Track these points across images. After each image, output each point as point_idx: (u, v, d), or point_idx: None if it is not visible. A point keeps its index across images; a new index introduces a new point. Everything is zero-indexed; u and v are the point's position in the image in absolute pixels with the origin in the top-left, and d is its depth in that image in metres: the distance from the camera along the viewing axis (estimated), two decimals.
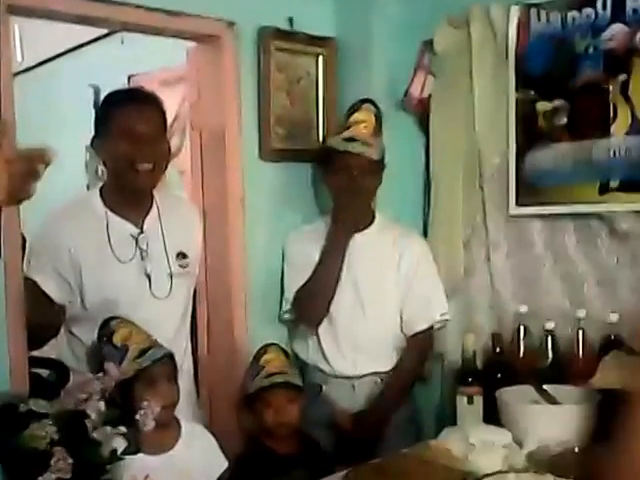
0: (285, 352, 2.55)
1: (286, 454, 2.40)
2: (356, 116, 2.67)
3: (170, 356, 2.21)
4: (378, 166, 2.69)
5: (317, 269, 2.70)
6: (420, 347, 2.77)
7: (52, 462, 1.70)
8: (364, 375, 2.72)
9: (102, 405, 1.82)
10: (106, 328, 2.22)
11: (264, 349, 2.51)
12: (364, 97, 2.74)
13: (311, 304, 2.72)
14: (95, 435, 1.79)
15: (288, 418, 2.42)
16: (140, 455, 2.07)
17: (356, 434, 2.63)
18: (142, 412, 1.87)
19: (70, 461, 1.72)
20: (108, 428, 1.83)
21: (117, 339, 2.17)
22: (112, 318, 2.23)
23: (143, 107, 2.35)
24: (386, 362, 2.73)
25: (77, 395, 1.82)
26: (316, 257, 2.72)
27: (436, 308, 2.77)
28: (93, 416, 1.79)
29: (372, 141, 2.65)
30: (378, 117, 2.71)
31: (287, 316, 2.83)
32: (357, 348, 2.71)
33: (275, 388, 2.41)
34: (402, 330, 2.76)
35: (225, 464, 2.26)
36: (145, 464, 2.09)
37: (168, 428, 2.19)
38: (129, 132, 2.30)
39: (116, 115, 2.33)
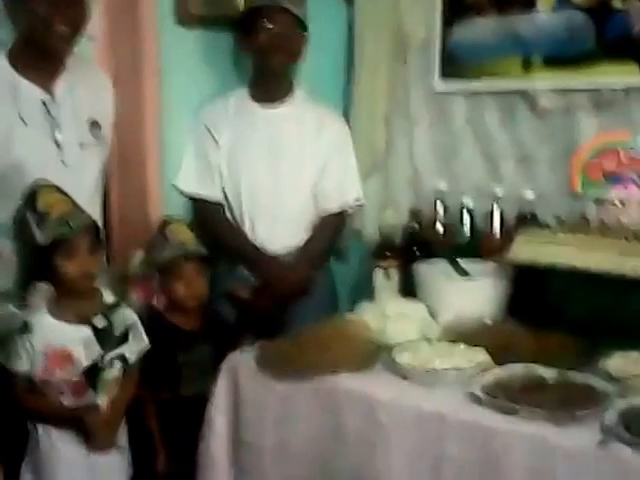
0: (189, 225, 2.50)
1: (191, 329, 2.39)
2: None
3: (93, 226, 2.16)
4: (301, 30, 2.60)
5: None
6: (332, 226, 2.74)
7: None
8: (278, 250, 2.69)
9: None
10: (30, 192, 2.13)
11: (167, 221, 2.45)
12: None
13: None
14: None
15: (198, 290, 2.40)
16: (58, 323, 2.08)
17: (256, 308, 2.62)
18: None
19: None
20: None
21: (40, 205, 2.10)
22: (39, 183, 2.14)
23: None
24: (299, 237, 2.71)
25: None
26: (223, 133, 2.66)
27: (350, 193, 2.75)
28: None
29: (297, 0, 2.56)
30: None
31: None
32: (272, 222, 2.67)
33: (187, 258, 2.37)
34: (316, 207, 2.73)
35: (146, 340, 2.23)
36: (64, 332, 2.09)
37: (90, 298, 2.16)
38: None
39: None
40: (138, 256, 2.45)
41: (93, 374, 2.11)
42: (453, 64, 2.74)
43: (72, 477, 2.12)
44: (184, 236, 2.41)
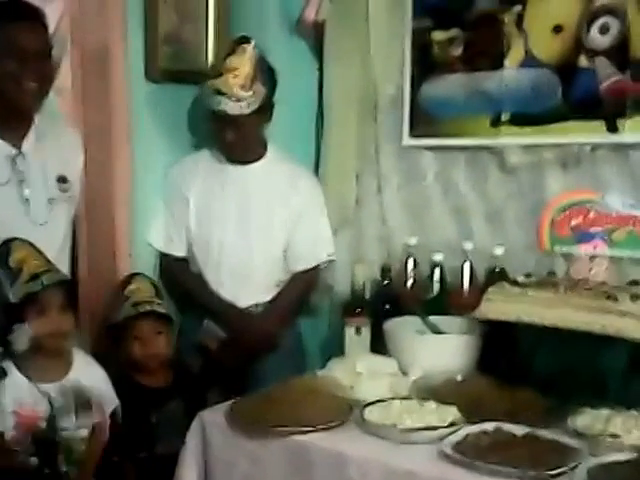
0: (152, 282, 2.51)
1: (158, 387, 2.36)
2: (229, 62, 2.54)
3: (65, 282, 2.14)
4: (257, 115, 2.58)
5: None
6: (302, 282, 2.75)
7: None
8: (247, 307, 2.68)
9: None
10: (2, 249, 2.12)
11: (129, 279, 2.45)
12: (241, 34, 2.61)
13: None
14: None
15: (156, 349, 2.38)
16: (28, 382, 2.05)
17: (224, 360, 2.60)
18: (15, 334, 1.80)
19: None
20: None
21: (12, 261, 2.09)
22: (11, 239, 2.13)
23: (29, 22, 2.24)
24: (268, 294, 2.70)
25: None
26: (193, 190, 2.68)
27: (322, 248, 2.75)
28: None
29: (244, 93, 2.52)
30: (256, 59, 2.55)
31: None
32: (241, 280, 2.67)
33: (142, 318, 2.37)
34: (287, 266, 2.72)
35: (116, 400, 2.20)
36: (33, 392, 2.06)
37: (60, 357, 2.13)
38: (15, 49, 2.19)
39: (5, 28, 2.21)
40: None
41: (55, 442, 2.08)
42: (422, 121, 2.76)
43: None
44: (143, 294, 2.40)
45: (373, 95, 2.85)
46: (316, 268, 2.76)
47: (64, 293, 2.12)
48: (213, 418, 2.11)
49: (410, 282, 2.65)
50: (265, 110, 2.61)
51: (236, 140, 2.59)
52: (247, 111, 2.54)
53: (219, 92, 2.52)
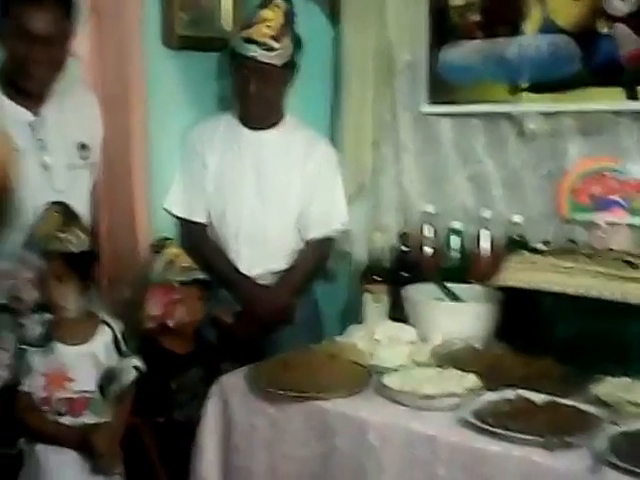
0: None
1: (181, 353, 2.38)
2: (262, 13, 2.54)
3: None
4: (283, 70, 2.59)
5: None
6: (316, 252, 2.74)
7: None
8: (261, 274, 2.69)
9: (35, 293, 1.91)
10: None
11: (163, 242, 2.45)
12: None
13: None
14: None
15: (198, 316, 2.39)
16: (58, 344, 2.12)
17: (239, 333, 2.61)
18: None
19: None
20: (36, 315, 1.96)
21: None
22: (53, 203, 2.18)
23: (47, 6, 2.21)
24: (283, 262, 2.70)
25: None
26: (211, 155, 2.67)
27: (336, 217, 2.76)
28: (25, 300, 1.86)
29: (275, 44, 2.53)
30: (288, 14, 2.57)
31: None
32: (257, 247, 2.67)
33: (188, 284, 2.36)
34: (300, 233, 2.73)
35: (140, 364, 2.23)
36: (63, 354, 2.12)
37: (83, 322, 2.18)
38: (28, 33, 2.18)
39: (18, 10, 2.19)
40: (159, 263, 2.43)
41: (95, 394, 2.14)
42: (440, 88, 2.75)
43: None
44: (185, 259, 2.41)
45: (390, 62, 2.83)
46: (330, 236, 2.76)
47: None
48: (233, 382, 2.12)
49: (428, 250, 2.65)
50: (290, 69, 2.61)
51: (259, 94, 2.57)
52: (276, 61, 2.54)
53: (250, 40, 2.53)
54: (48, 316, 2.12)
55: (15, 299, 2.12)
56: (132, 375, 2.18)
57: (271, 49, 2.53)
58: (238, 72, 2.60)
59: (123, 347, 2.19)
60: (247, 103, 2.64)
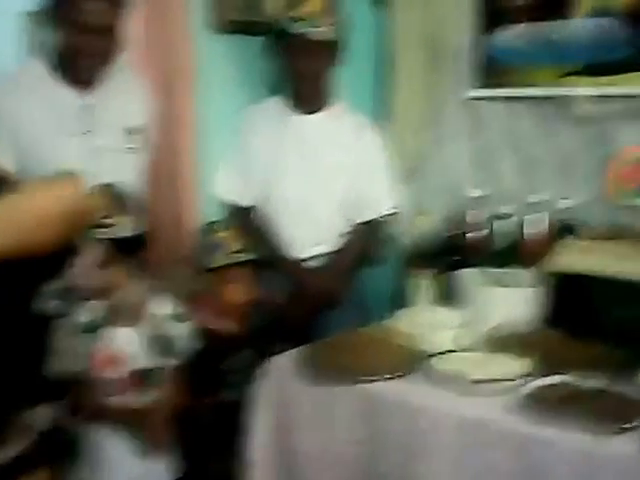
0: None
1: (233, 334, 2.40)
2: None
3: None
4: (331, 48, 2.60)
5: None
6: (364, 235, 2.75)
7: None
8: (311, 257, 2.70)
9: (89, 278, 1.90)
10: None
11: (212, 225, 2.47)
12: None
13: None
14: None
15: (251, 296, 2.41)
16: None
17: (288, 316, 2.62)
18: None
19: None
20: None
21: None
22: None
23: None
24: (331, 244, 2.71)
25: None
26: (259, 139, 2.68)
27: (385, 201, 2.76)
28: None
29: (322, 20, 2.55)
30: None
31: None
32: (305, 228, 2.68)
33: (241, 266, 2.39)
34: (349, 217, 2.73)
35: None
36: (114, 335, 2.15)
37: (137, 303, 2.20)
38: (82, 23, 2.21)
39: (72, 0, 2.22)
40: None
41: (147, 374, 2.16)
42: (488, 72, 2.74)
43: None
44: (236, 242, 2.43)
45: (438, 46, 2.82)
46: (379, 220, 2.77)
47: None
48: (283, 364, 2.14)
49: (476, 234, 2.64)
50: (338, 47, 2.61)
51: (309, 71, 2.59)
52: (325, 37, 2.56)
53: (299, 18, 2.54)
54: (101, 301, 2.15)
55: (71, 285, 2.15)
56: (188, 342, 2.20)
57: (319, 26, 2.55)
58: (287, 51, 2.61)
59: (177, 320, 2.21)
60: (297, 81, 2.65)
